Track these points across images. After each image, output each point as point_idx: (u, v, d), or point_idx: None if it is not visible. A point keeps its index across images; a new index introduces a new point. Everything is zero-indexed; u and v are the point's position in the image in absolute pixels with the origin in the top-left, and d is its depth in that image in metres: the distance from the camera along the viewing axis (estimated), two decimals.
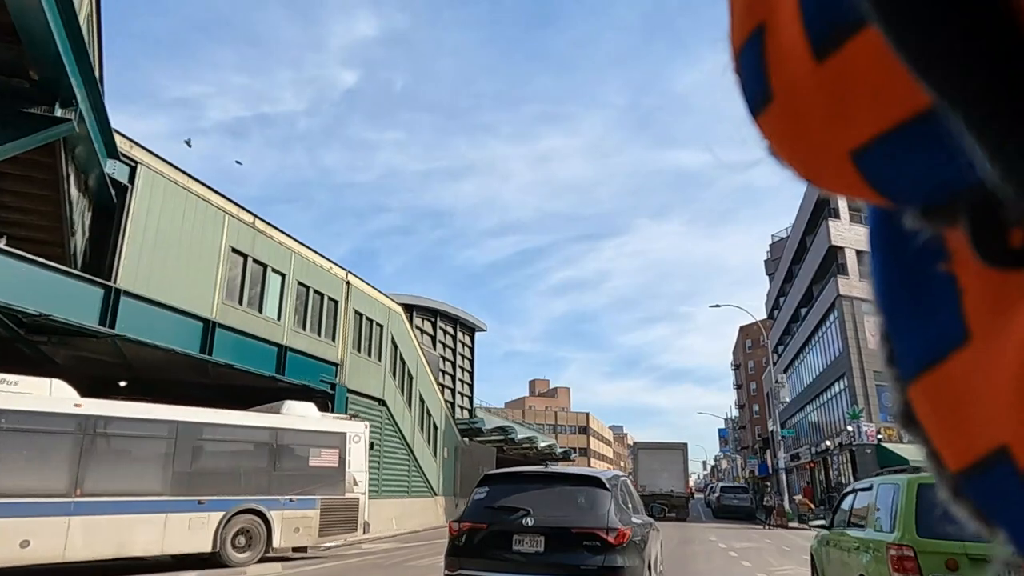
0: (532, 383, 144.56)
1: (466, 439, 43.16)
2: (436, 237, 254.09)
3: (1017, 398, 0.23)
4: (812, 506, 24.42)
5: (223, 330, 14.00)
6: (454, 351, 46.72)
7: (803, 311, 41.65)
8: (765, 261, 52.32)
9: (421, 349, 25.83)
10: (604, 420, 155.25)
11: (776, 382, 28.98)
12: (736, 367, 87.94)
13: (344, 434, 13.39)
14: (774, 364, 36.49)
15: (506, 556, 6.10)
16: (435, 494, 24.41)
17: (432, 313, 42.96)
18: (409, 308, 39.87)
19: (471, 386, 50.09)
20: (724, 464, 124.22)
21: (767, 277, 56.25)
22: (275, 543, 11.45)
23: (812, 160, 0.29)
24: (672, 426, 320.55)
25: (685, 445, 31.22)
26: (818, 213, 36.14)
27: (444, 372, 44.99)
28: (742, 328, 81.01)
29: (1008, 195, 0.22)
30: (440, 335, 44.38)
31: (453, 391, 45.77)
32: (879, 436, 28.84)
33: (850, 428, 29.99)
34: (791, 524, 23.97)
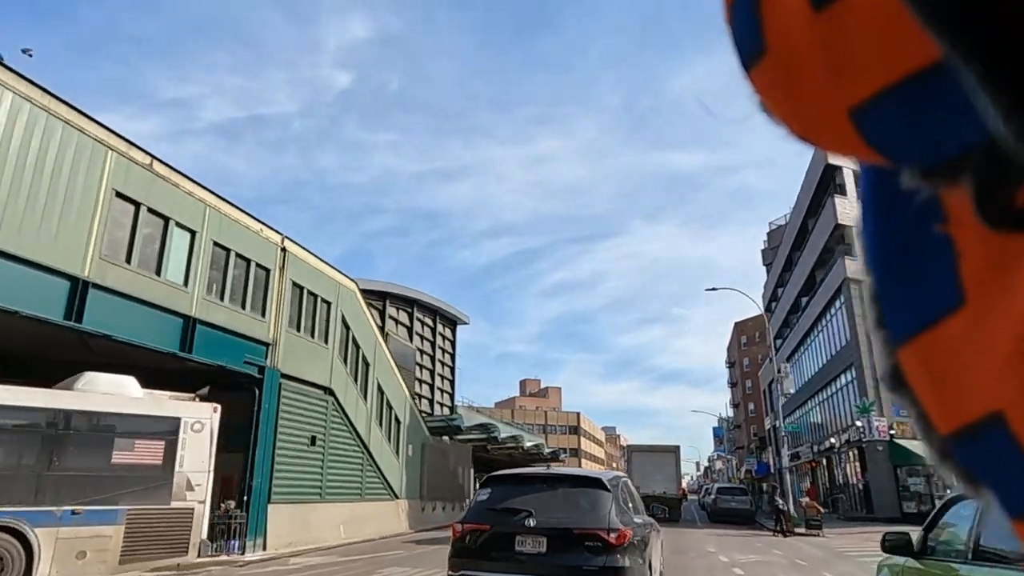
0: (523, 383, 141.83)
1: (445, 437, 40.38)
2: (431, 239, 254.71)
3: (1015, 364, 0.23)
4: (820, 509, 21.71)
5: (100, 292, 11.12)
6: (433, 344, 43.89)
7: (804, 300, 39.04)
8: (762, 251, 49.73)
9: (382, 334, 22.97)
10: (598, 421, 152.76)
11: (779, 372, 26.35)
12: (730, 365, 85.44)
13: (177, 420, 10.57)
14: (776, 351, 33.77)
15: (509, 557, 6.15)
16: (396, 497, 21.58)
17: (408, 303, 40.14)
18: (382, 296, 37.04)
19: (452, 382, 47.29)
20: (719, 465, 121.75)
21: (764, 268, 53.72)
22: (40, 574, 8.33)
23: (807, 117, 0.28)
24: (666, 427, 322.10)
25: (678, 447, 31.17)
26: (822, 193, 33.54)
27: (422, 366, 42.16)
28: (737, 324, 78.54)
29: (1017, 152, 0.22)
30: (417, 326, 41.53)
31: (432, 386, 42.94)
32: (892, 432, 26.18)
33: (859, 423, 27.37)
34: (797, 530, 21.25)
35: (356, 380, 19.87)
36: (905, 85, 0.24)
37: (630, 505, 6.98)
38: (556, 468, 7.96)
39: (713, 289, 27.47)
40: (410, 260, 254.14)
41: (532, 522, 6.17)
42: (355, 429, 19.14)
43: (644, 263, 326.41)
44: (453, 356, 47.63)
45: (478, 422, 43.06)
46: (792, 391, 27.82)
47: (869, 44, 0.24)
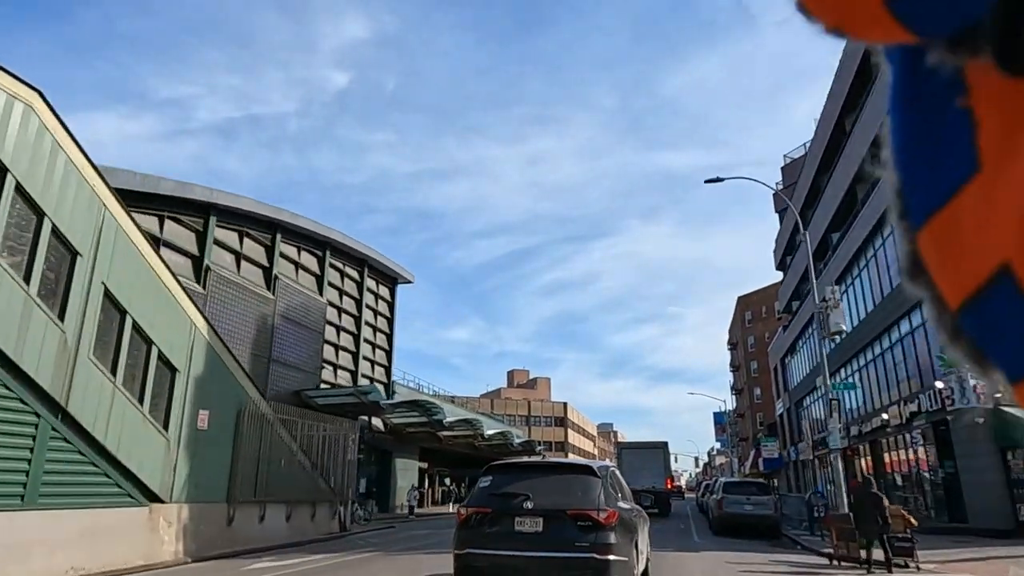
0: (511, 374, 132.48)
1: (380, 419, 31.09)
2: (426, 238, 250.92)
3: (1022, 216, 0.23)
4: (912, 520, 12.33)
5: None
6: (359, 302, 34.58)
7: (834, 237, 29.79)
8: (774, 195, 40.49)
9: (153, 248, 13.58)
10: (595, 419, 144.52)
11: (825, 301, 16.70)
12: (732, 347, 76.22)
13: None
14: (817, 277, 23.94)
15: (510, 535, 6.75)
16: (159, 500, 12.19)
17: (318, 244, 30.76)
18: (271, 225, 27.74)
19: (389, 353, 37.97)
20: (720, 460, 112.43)
21: (776, 216, 44.47)
22: None
23: (843, 5, 0.28)
24: (662, 426, 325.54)
25: (665, 444, 31.54)
26: (861, 85, 24.28)
27: (341, 329, 32.87)
28: (740, 299, 69.28)
29: None
30: (333, 277, 32.19)
31: (356, 355, 33.63)
32: (998, 396, 16.80)
33: (941, 385, 18.07)
34: (874, 559, 11.85)
35: (60, 308, 10.51)
36: None
37: (617, 492, 7.59)
38: (551, 457, 11.32)
39: (716, 180, 18.03)
40: (406, 259, 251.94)
41: (530, 505, 6.82)
42: (20, 371, 9.76)
43: (639, 262, 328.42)
44: (391, 321, 38.30)
45: (410, 399, 33.74)
46: (846, 328, 18.27)
47: None
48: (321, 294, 30.42)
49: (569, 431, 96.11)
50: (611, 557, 6.51)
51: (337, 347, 31.88)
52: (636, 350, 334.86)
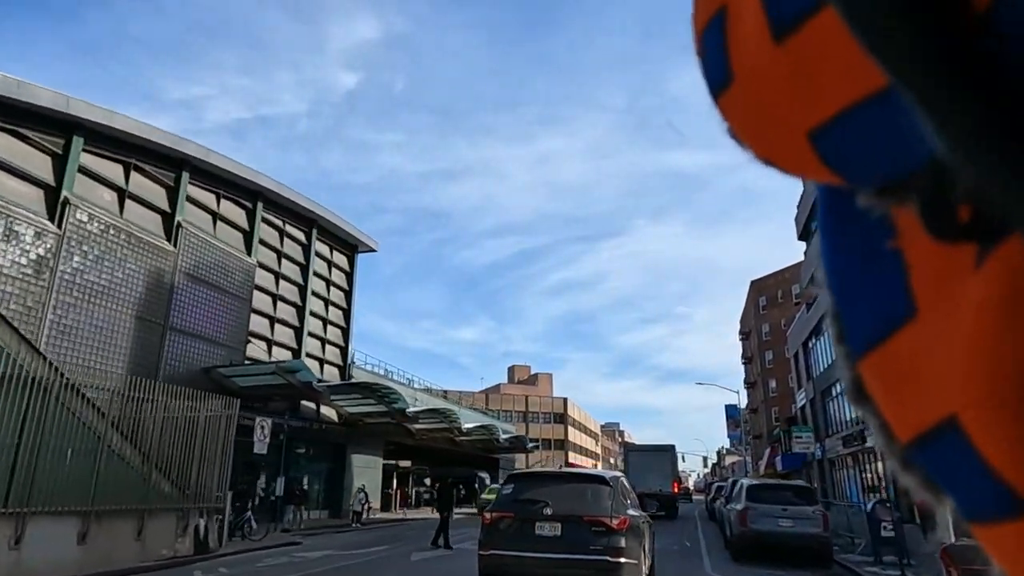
0: (511, 369, 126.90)
1: (339, 403, 25.86)
2: (435, 238, 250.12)
3: (964, 368, 0.24)
4: None
5: None
6: (304, 268, 29.21)
7: None
8: None
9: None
10: (601, 419, 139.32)
11: None
12: (745, 336, 70.45)
13: None
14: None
15: (531, 538, 7.37)
16: None
17: (248, 194, 25.40)
18: (177, 162, 22.45)
19: (346, 331, 32.60)
20: (731, 459, 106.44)
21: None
22: None
23: (770, 140, 0.29)
24: (670, 426, 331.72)
25: (672, 447, 31.26)
26: None
27: (279, 299, 27.54)
28: (754, 283, 63.52)
29: (956, 170, 0.23)
30: (269, 235, 26.85)
31: (299, 331, 28.27)
32: None
33: None
34: None
35: None
36: (858, 109, 0.25)
37: (627, 500, 8.20)
38: (567, 468, 8.66)
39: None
40: (414, 259, 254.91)
41: (549, 511, 7.46)
42: None
43: (648, 262, 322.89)
44: (349, 295, 32.90)
45: (365, 381, 28.33)
46: None
47: (824, 71, 0.26)
48: (250, 254, 25.03)
49: (569, 428, 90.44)
50: (622, 560, 7.14)
51: (273, 320, 26.50)
52: (644, 350, 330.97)
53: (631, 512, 7.83)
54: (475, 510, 36.42)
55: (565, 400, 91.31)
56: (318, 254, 30.13)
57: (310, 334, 28.84)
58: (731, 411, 61.26)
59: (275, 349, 26.15)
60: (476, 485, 45.88)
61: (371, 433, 31.89)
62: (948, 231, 0.25)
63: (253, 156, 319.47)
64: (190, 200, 22.22)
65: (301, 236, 29.02)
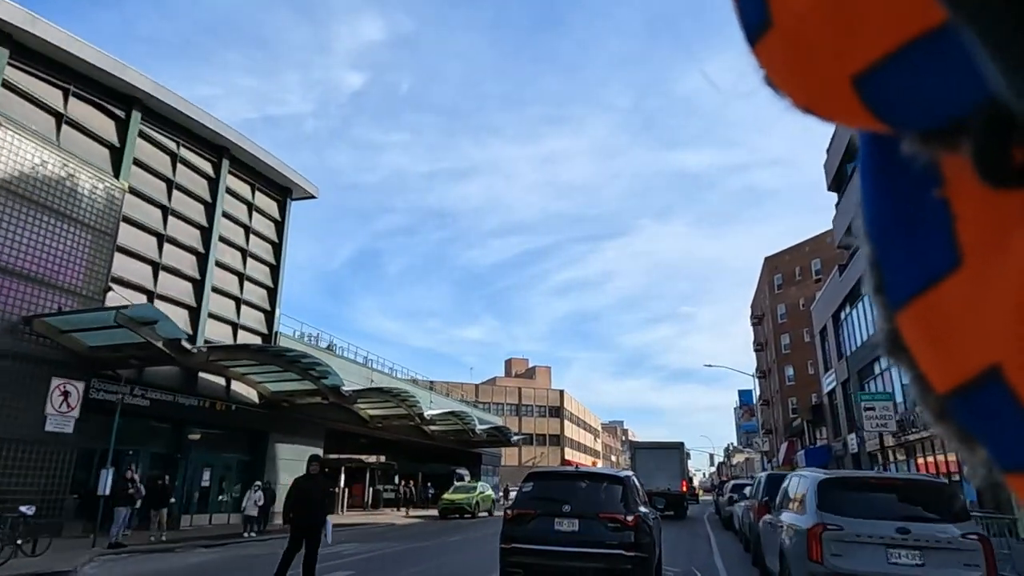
0: (508, 362, 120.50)
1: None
2: (440, 237, 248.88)
3: (1013, 318, 0.23)
4: None
5: None
6: (210, 206, 23.12)
7: None
8: None
9: None
10: (606, 418, 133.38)
11: None
12: (757, 321, 64.04)
13: None
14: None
15: (550, 533, 7.76)
16: None
17: (120, 99, 19.34)
18: (57, 68, 16.19)
19: (273, 291, 26.53)
20: (738, 459, 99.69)
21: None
22: None
23: (811, 87, 0.28)
24: (675, 425, 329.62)
25: (681, 444, 29.72)
26: None
27: (168, 240, 21.49)
28: (768, 260, 57.11)
29: (1017, 109, 0.22)
30: (152, 156, 20.78)
31: (200, 285, 22.24)
32: None
33: None
34: None
35: None
36: (906, 51, 0.24)
37: (639, 498, 8.66)
38: (583, 468, 10.44)
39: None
40: (420, 258, 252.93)
41: (567, 508, 7.85)
42: None
43: (653, 262, 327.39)
44: (279, 249, 26.77)
45: (277, 354, 22.23)
46: None
47: (870, 11, 0.24)
48: (118, 175, 18.92)
49: (566, 423, 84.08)
50: (635, 553, 7.53)
51: (157, 267, 20.38)
52: (649, 350, 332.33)
53: (642, 509, 8.26)
54: (436, 512, 30.38)
55: (561, 392, 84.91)
56: (232, 192, 24.02)
57: (217, 290, 22.74)
58: (745, 398, 54.91)
59: (162, 305, 20.03)
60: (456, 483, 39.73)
61: (306, 419, 25.80)
62: (1003, 176, 0.24)
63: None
64: (11, 87, 16.13)
65: (206, 167, 22.89)
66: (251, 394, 23.80)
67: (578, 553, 7.56)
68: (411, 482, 41.66)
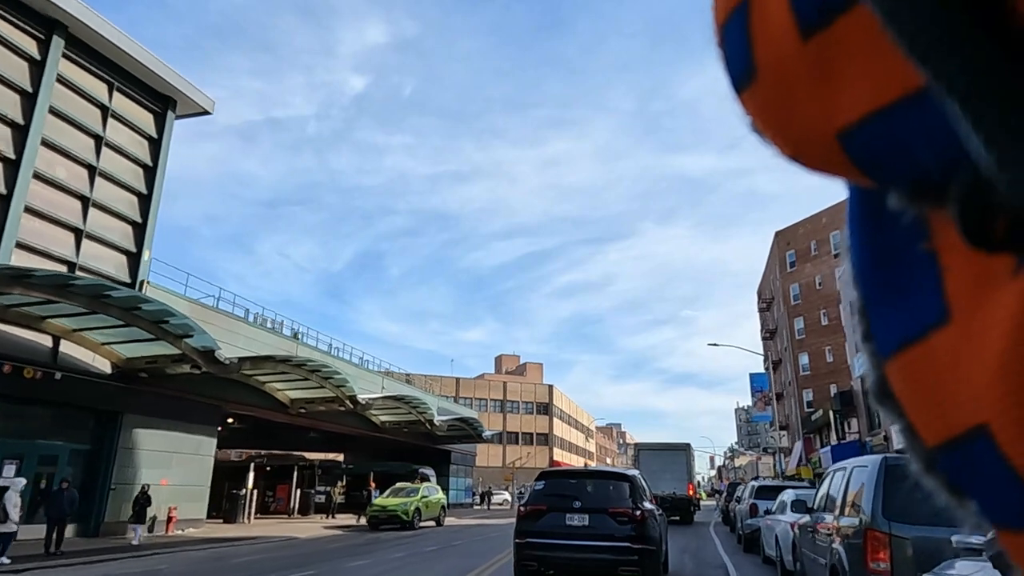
0: (499, 359, 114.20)
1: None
2: (443, 240, 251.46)
3: (999, 378, 0.23)
4: None
5: None
6: (31, 97, 16.72)
7: None
8: None
9: None
10: (606, 421, 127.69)
11: None
12: (766, 306, 57.69)
13: None
14: None
15: (562, 527, 8.32)
16: None
17: None
18: None
19: (142, 227, 20.15)
20: (742, 461, 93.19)
21: None
22: None
23: (796, 139, 0.28)
24: (676, 428, 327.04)
25: (688, 445, 28.65)
26: None
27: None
28: (779, 234, 50.76)
29: (1001, 182, 0.22)
30: None
31: (6, 200, 15.98)
32: None
33: None
34: None
35: None
36: (891, 110, 0.24)
37: (646, 495, 9.04)
38: (593, 466, 10.52)
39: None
40: (422, 260, 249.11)
41: (578, 504, 8.40)
42: None
43: (655, 265, 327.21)
44: (151, 173, 20.36)
45: (129, 310, 15.85)
46: None
47: (855, 71, 0.25)
48: None
49: (555, 421, 77.46)
50: (643, 546, 8.07)
51: None
52: (651, 353, 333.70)
53: (648, 506, 8.71)
54: (363, 520, 23.85)
55: (550, 388, 78.19)
56: (73, 86, 17.63)
57: (65, 225, 16.38)
58: (758, 382, 48.37)
59: None
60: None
61: (184, 397, 19.39)
62: (985, 240, 0.24)
63: (262, 156, 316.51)
64: None
65: (29, 45, 16.51)
66: (100, 363, 17.44)
67: (588, 546, 8.18)
68: (372, 484, 35.19)
